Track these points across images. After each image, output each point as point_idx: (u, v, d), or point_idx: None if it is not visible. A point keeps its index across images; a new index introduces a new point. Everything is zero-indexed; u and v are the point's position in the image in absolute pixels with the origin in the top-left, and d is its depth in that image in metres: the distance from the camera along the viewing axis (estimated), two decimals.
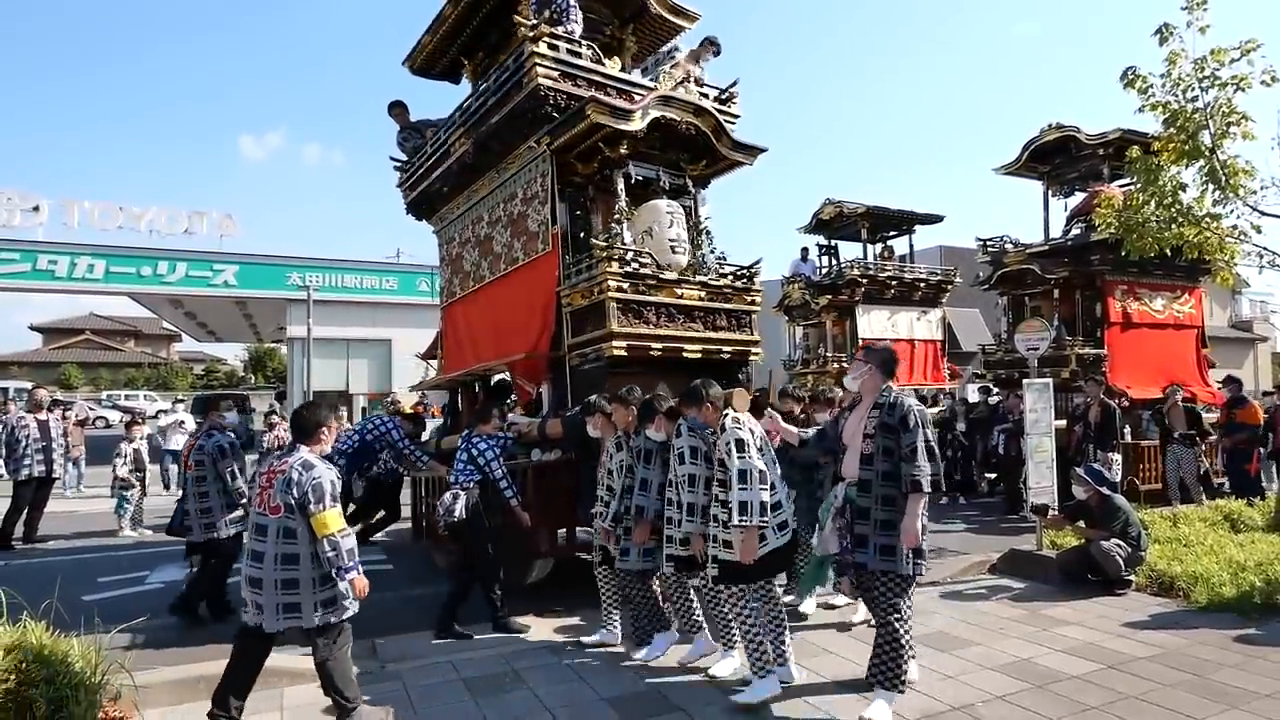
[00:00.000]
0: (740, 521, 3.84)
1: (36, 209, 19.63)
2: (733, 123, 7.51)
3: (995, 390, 13.83)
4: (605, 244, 6.31)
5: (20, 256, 19.76)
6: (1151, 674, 4.35)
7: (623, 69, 7.60)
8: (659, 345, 6.33)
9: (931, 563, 7.36)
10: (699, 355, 6.54)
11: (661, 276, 6.43)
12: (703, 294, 6.68)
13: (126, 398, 42.28)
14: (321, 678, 3.79)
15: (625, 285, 6.18)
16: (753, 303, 6.99)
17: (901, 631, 3.83)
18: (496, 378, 8.26)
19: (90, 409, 30.94)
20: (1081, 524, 6.44)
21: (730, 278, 6.95)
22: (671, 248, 6.62)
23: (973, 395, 14.84)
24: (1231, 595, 5.53)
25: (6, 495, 9.42)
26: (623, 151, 6.53)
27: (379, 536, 9.62)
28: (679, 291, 6.54)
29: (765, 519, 3.88)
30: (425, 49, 8.40)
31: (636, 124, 6.36)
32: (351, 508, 9.38)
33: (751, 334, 6.98)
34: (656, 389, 5.11)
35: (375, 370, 23.58)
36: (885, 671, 3.82)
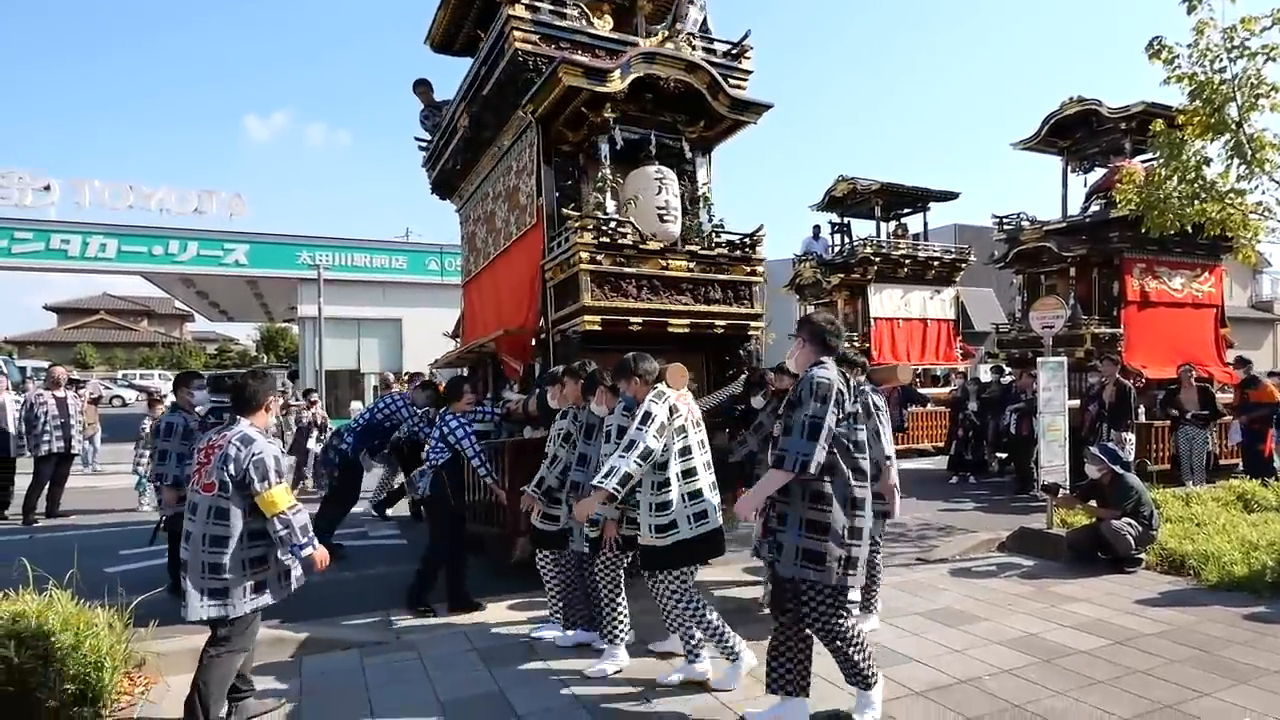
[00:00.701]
0: (598, 481, 3.67)
1: (47, 188, 19.70)
2: (743, 80, 6.95)
3: (1008, 370, 13.77)
4: (579, 214, 6.00)
5: (34, 236, 19.87)
6: (1159, 650, 4.37)
7: (635, 31, 7.13)
8: (639, 320, 5.95)
9: (940, 540, 7.46)
10: (686, 329, 6.16)
11: (643, 247, 6.02)
12: (692, 265, 6.23)
13: (141, 377, 42.78)
14: (198, 672, 3.44)
15: (600, 256, 5.81)
16: (753, 273, 6.50)
17: (839, 639, 3.35)
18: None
19: (106, 387, 31.28)
20: (1093, 503, 6.44)
21: (726, 247, 6.46)
22: (660, 215, 6.23)
23: (985, 375, 14.77)
24: (1243, 574, 5.53)
25: (28, 472, 9.56)
26: (607, 115, 6.12)
27: (392, 511, 9.75)
28: (664, 262, 6.12)
29: (619, 489, 3.62)
30: (440, 24, 8.24)
31: (616, 84, 5.91)
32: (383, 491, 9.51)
33: (751, 307, 6.49)
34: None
35: (386, 349, 23.63)
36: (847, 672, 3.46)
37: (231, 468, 3.40)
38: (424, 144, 9.28)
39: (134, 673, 4.08)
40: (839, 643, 3.32)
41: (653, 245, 6.08)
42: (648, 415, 3.72)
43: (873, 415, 4.49)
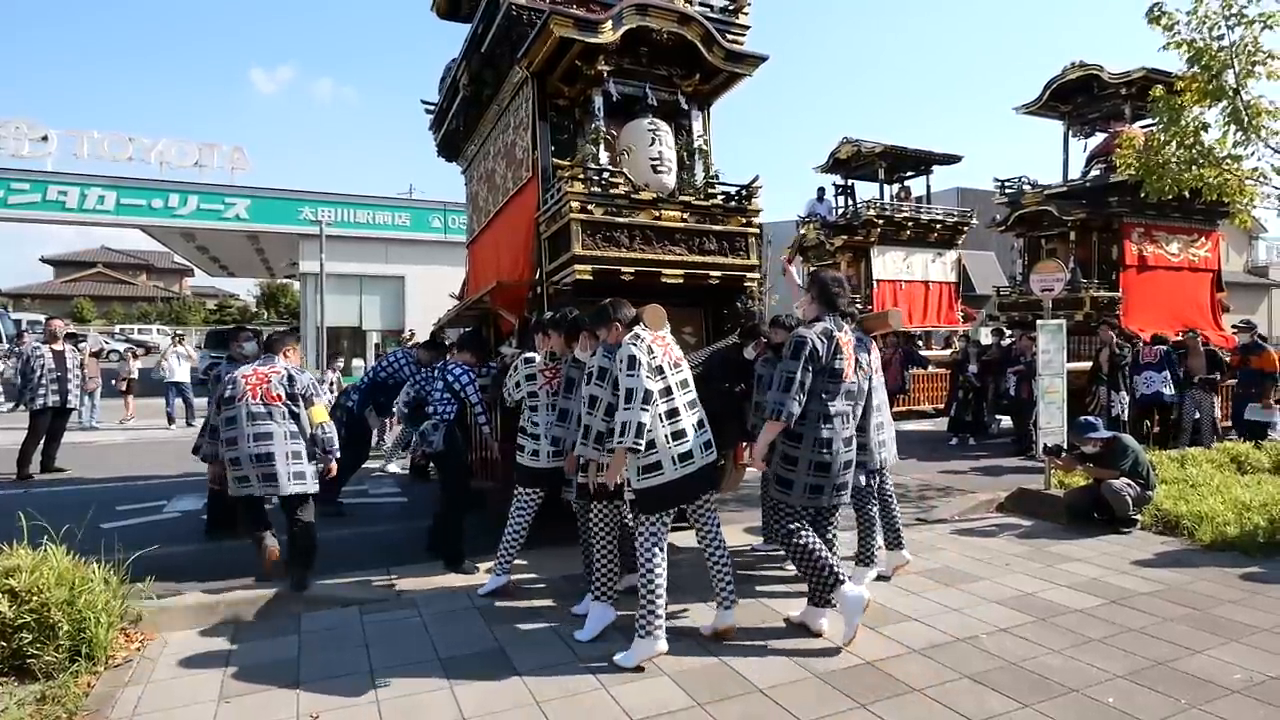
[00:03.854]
0: (617, 441, 3.67)
1: (45, 139, 19.39)
2: (740, 35, 6.81)
3: (1008, 332, 13.78)
4: (570, 163, 5.98)
5: (31, 187, 19.62)
6: (1154, 609, 4.42)
7: None
8: (631, 270, 5.88)
9: (940, 501, 7.52)
10: (680, 280, 6.07)
11: (635, 197, 5.92)
12: (686, 215, 6.13)
13: (139, 332, 42.65)
14: (306, 537, 4.81)
15: (591, 206, 5.72)
16: (748, 224, 6.39)
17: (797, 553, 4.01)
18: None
19: (106, 342, 31.20)
20: (1091, 465, 6.46)
21: (722, 198, 6.34)
22: (653, 167, 6.15)
23: (985, 338, 14.78)
24: (1236, 534, 5.59)
25: (22, 426, 9.56)
26: (601, 68, 6.05)
27: (394, 469, 9.80)
28: (657, 212, 6.02)
29: (639, 441, 3.64)
30: None
31: (608, 35, 5.83)
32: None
33: (747, 258, 6.40)
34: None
35: (389, 306, 23.53)
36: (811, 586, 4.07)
37: (298, 386, 4.89)
38: (430, 106, 9.18)
39: (130, 629, 4.08)
40: (798, 556, 3.97)
41: (645, 195, 5.98)
42: (632, 359, 3.72)
43: (863, 366, 4.41)
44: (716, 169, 6.59)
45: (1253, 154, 7.54)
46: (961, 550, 5.72)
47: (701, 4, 6.72)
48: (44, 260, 57.28)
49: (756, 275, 6.52)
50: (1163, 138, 7.80)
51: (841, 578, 3.91)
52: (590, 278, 5.70)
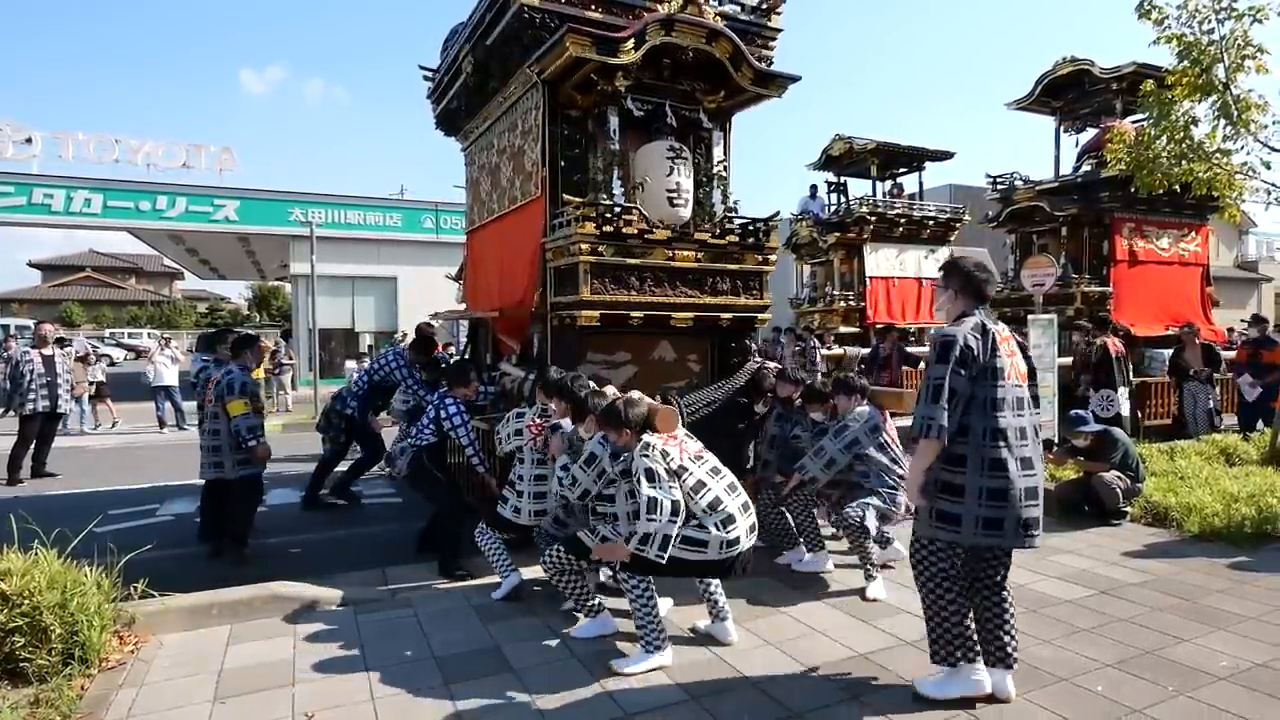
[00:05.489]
0: (638, 549, 3.56)
1: (29, 141, 19.11)
2: (771, 40, 6.37)
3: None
4: (580, 201, 5.56)
5: (15, 190, 19.37)
6: (1143, 599, 4.47)
7: None
8: (641, 313, 5.65)
9: None
10: (690, 323, 5.89)
11: (649, 236, 5.62)
12: (700, 254, 5.85)
13: (129, 336, 42.43)
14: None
15: (602, 248, 5.44)
16: (764, 262, 6.12)
17: (923, 595, 3.38)
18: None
19: (95, 346, 30.96)
20: (1082, 458, 6.51)
21: (739, 233, 6.01)
22: (669, 199, 5.80)
23: None
24: (1223, 525, 5.64)
25: (11, 433, 9.51)
26: (619, 85, 5.64)
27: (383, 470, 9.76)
28: (671, 253, 5.73)
29: (662, 554, 3.54)
30: None
31: (629, 56, 5.44)
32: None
33: (760, 298, 6.16)
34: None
35: (382, 308, 23.45)
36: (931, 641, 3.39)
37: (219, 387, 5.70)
38: (429, 73, 8.34)
39: (124, 631, 4.08)
40: (939, 609, 3.31)
41: (659, 234, 5.68)
42: (649, 473, 3.58)
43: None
44: (736, 199, 6.31)
45: (1242, 148, 7.58)
46: None
47: (732, 2, 6.34)
48: (31, 264, 57.04)
49: (768, 316, 6.34)
50: (1153, 132, 7.83)
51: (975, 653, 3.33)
52: (597, 322, 5.50)
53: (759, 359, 6.34)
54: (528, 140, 6.29)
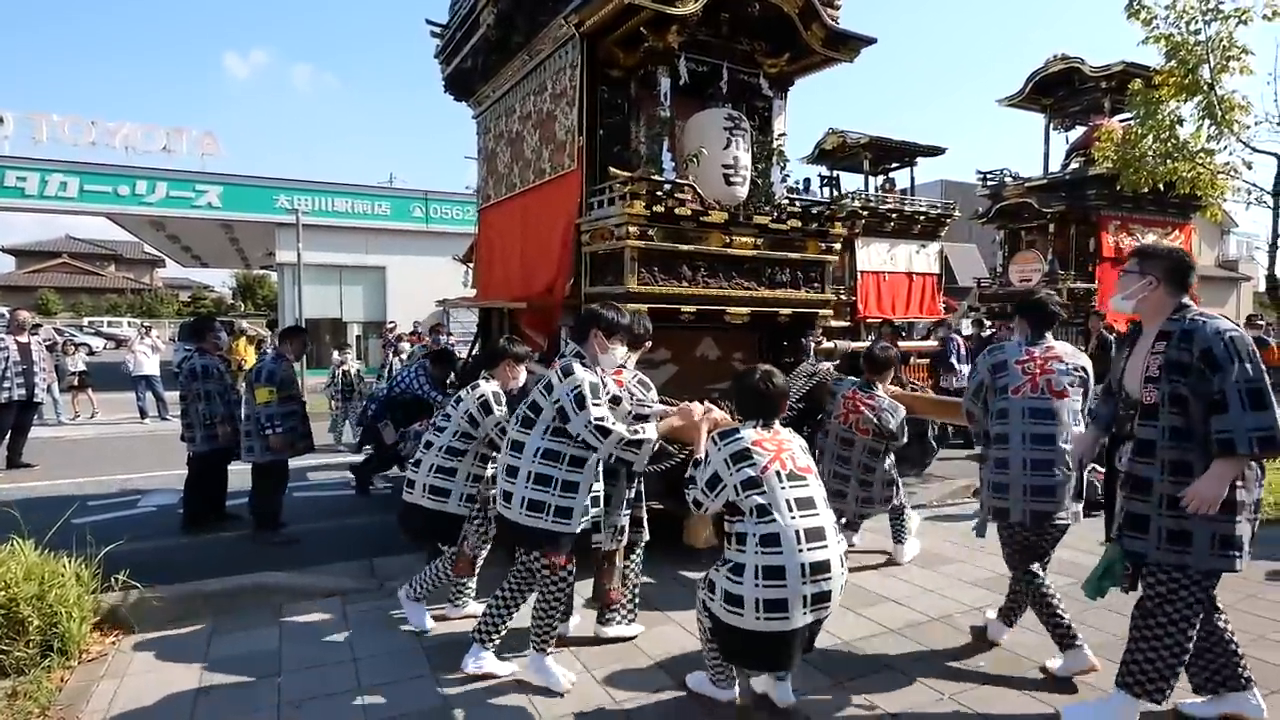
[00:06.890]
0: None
1: (1, 121, 18.72)
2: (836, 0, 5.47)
3: (988, 323, 13.93)
4: (628, 175, 4.84)
5: None
6: None
7: None
8: (693, 307, 5.01)
9: (919, 487, 7.55)
10: (746, 318, 5.24)
11: (704, 219, 4.94)
12: (759, 240, 5.17)
13: (109, 324, 41.68)
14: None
15: (652, 231, 4.77)
16: (827, 250, 5.49)
17: (1168, 636, 2.81)
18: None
19: (71, 335, 30.43)
20: None
21: (801, 217, 5.32)
22: (726, 176, 5.13)
23: (967, 329, 14.93)
24: None
25: None
26: (672, 40, 4.86)
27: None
28: (728, 238, 5.05)
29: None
30: None
31: (689, 6, 4.73)
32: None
33: (822, 291, 5.52)
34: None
35: (370, 298, 23.18)
36: (1134, 672, 2.88)
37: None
38: (437, 28, 7.50)
39: (105, 624, 3.99)
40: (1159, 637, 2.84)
41: (715, 216, 4.99)
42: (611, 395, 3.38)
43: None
44: (797, 179, 5.85)
45: (1225, 148, 7.70)
46: (939, 534, 5.83)
47: None
48: (4, 250, 55.81)
49: (829, 311, 5.77)
50: (1140, 131, 7.94)
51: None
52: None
53: (813, 361, 5.75)
54: (560, 105, 5.54)
